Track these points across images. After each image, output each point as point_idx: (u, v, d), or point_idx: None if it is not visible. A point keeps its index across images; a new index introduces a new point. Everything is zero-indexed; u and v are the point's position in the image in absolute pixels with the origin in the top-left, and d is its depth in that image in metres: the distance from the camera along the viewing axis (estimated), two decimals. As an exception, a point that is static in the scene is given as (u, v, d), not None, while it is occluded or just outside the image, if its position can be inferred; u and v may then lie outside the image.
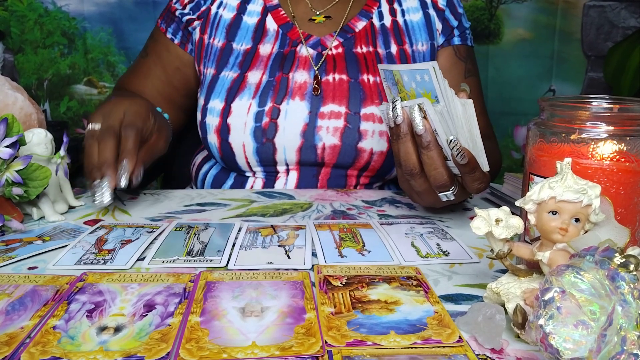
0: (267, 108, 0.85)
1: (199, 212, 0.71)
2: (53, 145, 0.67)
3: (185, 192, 0.81)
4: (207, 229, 0.63)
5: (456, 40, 0.95)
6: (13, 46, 1.75)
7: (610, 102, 0.49)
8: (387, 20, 0.93)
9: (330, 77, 0.87)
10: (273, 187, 0.88)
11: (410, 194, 0.67)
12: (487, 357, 0.38)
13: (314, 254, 0.56)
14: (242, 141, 0.85)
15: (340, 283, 0.48)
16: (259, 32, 0.90)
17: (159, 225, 0.64)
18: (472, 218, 0.44)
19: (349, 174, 0.88)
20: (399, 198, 0.80)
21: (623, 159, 0.45)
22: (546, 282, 0.34)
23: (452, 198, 0.62)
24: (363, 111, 0.85)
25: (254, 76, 0.87)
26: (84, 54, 1.77)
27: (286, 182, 0.87)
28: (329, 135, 0.85)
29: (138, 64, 0.98)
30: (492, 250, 0.44)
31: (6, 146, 0.59)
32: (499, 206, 0.44)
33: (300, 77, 0.87)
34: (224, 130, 0.85)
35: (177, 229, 0.62)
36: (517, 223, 0.43)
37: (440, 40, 0.95)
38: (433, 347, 0.39)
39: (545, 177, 0.43)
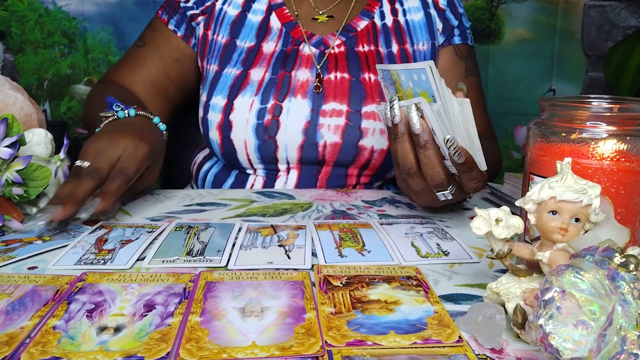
0: (269, 105, 0.85)
1: (199, 212, 0.71)
2: (53, 145, 0.67)
3: (185, 192, 0.81)
4: (207, 228, 0.63)
5: (456, 40, 0.96)
6: (13, 46, 1.75)
7: (610, 102, 0.49)
8: (389, 20, 0.93)
9: (332, 76, 0.87)
10: (273, 185, 0.88)
11: (408, 193, 0.67)
12: (487, 357, 0.38)
13: (314, 254, 0.56)
14: (244, 138, 0.85)
15: (340, 283, 0.48)
16: (263, 30, 0.91)
17: (159, 225, 0.64)
18: (472, 218, 0.44)
19: (350, 173, 0.88)
20: (399, 198, 0.80)
21: (623, 159, 0.45)
22: (546, 282, 0.34)
23: (450, 197, 0.62)
24: (364, 109, 0.85)
25: (257, 73, 0.87)
26: (84, 54, 1.77)
27: (286, 180, 0.88)
28: (330, 133, 0.85)
29: (132, 53, 0.96)
30: (492, 250, 0.44)
31: (6, 146, 0.59)
32: (499, 206, 0.44)
33: (303, 75, 0.87)
34: (225, 126, 0.85)
35: (177, 229, 0.62)
36: (517, 223, 0.43)
37: (440, 39, 0.95)
38: (433, 347, 0.39)
39: (545, 177, 0.43)
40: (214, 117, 0.87)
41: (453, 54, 0.95)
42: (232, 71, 0.88)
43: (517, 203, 0.43)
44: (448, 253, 0.57)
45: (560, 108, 0.49)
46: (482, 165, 0.62)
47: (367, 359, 0.37)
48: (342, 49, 0.90)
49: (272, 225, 0.64)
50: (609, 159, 0.45)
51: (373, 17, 0.93)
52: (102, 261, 0.53)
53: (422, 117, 0.57)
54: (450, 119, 0.58)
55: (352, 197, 0.80)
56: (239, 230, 0.62)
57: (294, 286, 0.48)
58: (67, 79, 1.78)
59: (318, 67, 0.88)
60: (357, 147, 0.85)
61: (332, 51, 0.90)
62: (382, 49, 0.91)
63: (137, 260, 0.54)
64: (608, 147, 0.46)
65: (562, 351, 0.32)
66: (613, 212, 0.42)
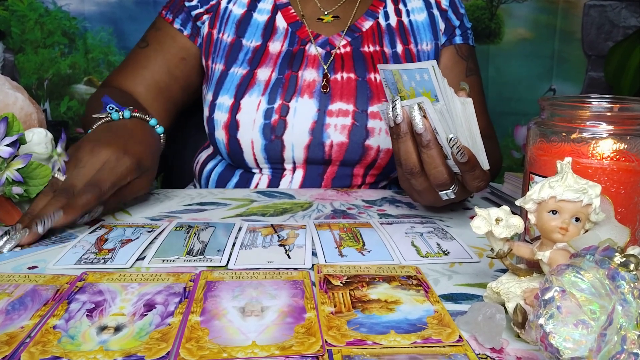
0: (276, 105, 0.85)
1: (199, 211, 0.71)
2: (53, 145, 0.67)
3: (186, 192, 0.81)
4: (207, 228, 0.63)
5: (458, 40, 0.96)
6: (13, 46, 1.75)
7: (610, 102, 0.49)
8: (393, 20, 0.93)
9: (338, 76, 0.88)
10: (278, 185, 0.88)
11: (411, 193, 0.67)
12: (487, 356, 0.38)
13: (314, 254, 0.56)
14: (251, 138, 0.85)
15: (341, 282, 0.48)
16: (269, 29, 0.91)
17: (159, 225, 0.64)
18: (472, 217, 0.44)
19: (355, 173, 0.88)
20: (399, 197, 0.80)
21: (623, 159, 0.45)
22: (546, 281, 0.34)
23: (453, 197, 0.62)
24: (370, 109, 0.86)
25: (264, 73, 0.87)
26: (84, 53, 1.77)
27: (292, 179, 0.88)
28: (336, 133, 0.85)
29: (135, 55, 0.95)
30: (492, 249, 0.44)
31: (6, 145, 0.59)
32: (499, 205, 0.44)
33: (309, 75, 0.87)
34: (232, 126, 0.85)
35: (177, 229, 0.62)
36: (517, 222, 0.43)
37: (442, 39, 0.95)
38: (433, 346, 0.39)
39: (545, 177, 0.43)
40: (221, 117, 0.86)
41: (454, 54, 0.96)
42: (238, 70, 0.88)
43: (518, 202, 0.43)
44: (448, 252, 0.57)
45: (560, 108, 0.49)
46: (485, 164, 0.62)
47: (367, 359, 0.37)
48: (348, 49, 0.90)
49: (272, 225, 0.64)
50: (609, 158, 0.45)
51: (377, 18, 0.93)
52: (102, 260, 0.53)
53: (424, 116, 0.57)
54: (452, 119, 0.58)
55: (352, 197, 0.80)
56: (239, 229, 0.62)
57: (294, 286, 0.48)
58: (67, 79, 1.78)
59: (325, 67, 0.88)
60: (363, 146, 0.85)
61: (338, 51, 0.90)
62: (387, 49, 0.91)
63: (138, 259, 0.54)
64: (608, 147, 0.46)
65: (562, 351, 0.32)
66: (613, 212, 0.42)
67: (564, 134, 0.47)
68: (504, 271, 0.48)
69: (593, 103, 0.50)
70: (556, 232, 0.40)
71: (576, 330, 0.32)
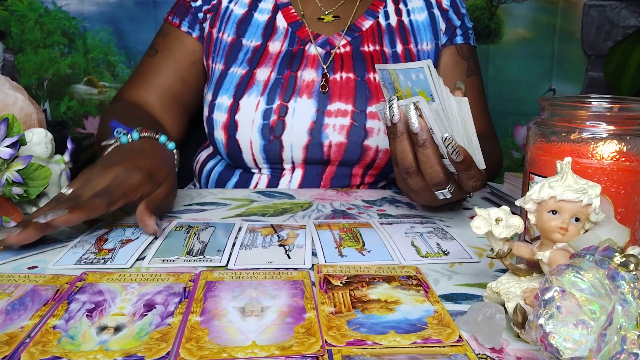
0: (275, 106, 0.85)
1: (199, 211, 0.71)
2: (53, 145, 0.67)
3: (186, 192, 0.81)
4: (207, 228, 0.63)
5: (459, 40, 0.96)
6: (13, 46, 1.75)
7: (610, 102, 0.49)
8: (393, 20, 0.93)
9: (337, 76, 0.88)
10: (277, 184, 0.88)
11: (408, 192, 0.67)
12: (487, 356, 0.38)
13: (314, 254, 0.56)
14: (250, 138, 0.85)
15: (340, 282, 0.48)
16: (269, 29, 0.90)
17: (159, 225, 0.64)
18: (472, 217, 0.44)
19: (354, 173, 0.88)
20: (399, 198, 0.80)
21: (623, 159, 0.45)
22: (546, 281, 0.34)
23: (449, 196, 0.62)
24: (369, 109, 0.86)
25: (263, 73, 0.87)
26: (84, 53, 1.77)
27: (291, 179, 0.88)
28: (335, 133, 0.85)
29: (144, 64, 0.94)
30: (492, 249, 0.44)
31: (6, 146, 0.59)
32: (499, 205, 0.44)
33: (308, 75, 0.87)
34: (231, 126, 0.85)
35: (177, 229, 0.62)
36: (517, 222, 0.43)
37: (443, 39, 0.95)
38: (433, 346, 0.39)
39: (545, 177, 0.43)
40: (220, 117, 0.86)
41: (455, 54, 0.96)
42: (237, 70, 0.88)
43: (517, 203, 0.43)
44: (448, 253, 0.57)
45: (560, 108, 0.49)
46: (481, 164, 0.62)
47: (367, 359, 0.37)
48: (348, 48, 0.90)
49: (272, 225, 0.64)
50: (609, 158, 0.45)
51: (377, 17, 0.93)
52: (102, 260, 0.53)
53: (420, 116, 0.57)
54: (448, 118, 0.58)
55: (352, 197, 0.80)
56: (239, 229, 0.63)
57: (294, 286, 0.48)
58: (67, 79, 1.78)
59: (325, 67, 0.88)
60: (362, 147, 0.85)
61: (337, 51, 0.90)
62: (387, 49, 0.91)
63: (137, 260, 0.54)
64: (608, 147, 0.46)
65: (562, 351, 0.32)
66: (613, 212, 0.42)
67: (563, 134, 0.47)
68: (503, 271, 0.48)
69: (593, 103, 0.50)
70: (556, 232, 0.40)
71: (576, 330, 0.32)
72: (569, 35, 1.82)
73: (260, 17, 0.91)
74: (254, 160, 0.87)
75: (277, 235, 0.61)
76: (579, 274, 0.33)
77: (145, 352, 0.37)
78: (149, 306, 0.44)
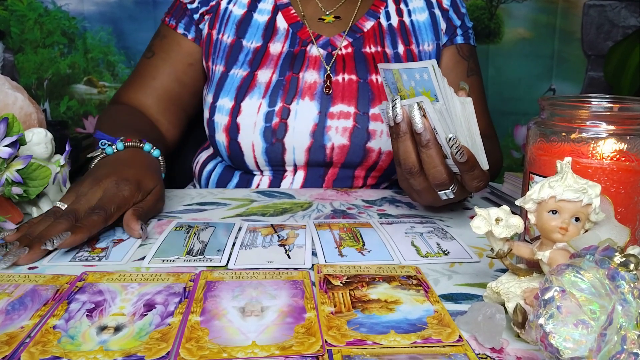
0: (277, 108, 0.84)
1: (199, 211, 0.71)
2: (53, 145, 0.67)
3: (185, 192, 0.81)
4: (207, 228, 0.63)
5: (459, 40, 0.96)
6: (13, 46, 1.75)
7: (610, 102, 0.49)
8: (394, 21, 0.93)
9: (339, 78, 0.87)
10: (279, 186, 0.88)
11: (410, 192, 0.67)
12: (487, 356, 0.38)
13: (314, 254, 0.56)
14: (252, 141, 0.85)
15: (340, 282, 0.48)
16: (269, 30, 0.90)
17: (148, 223, 0.64)
18: (472, 217, 0.44)
19: (356, 174, 0.88)
20: (399, 197, 0.80)
21: (623, 158, 0.45)
22: (546, 281, 0.34)
23: (452, 197, 0.62)
24: (372, 111, 0.85)
25: (264, 75, 0.86)
26: (83, 53, 1.77)
27: (292, 181, 0.87)
28: (338, 135, 0.85)
29: (142, 67, 0.95)
30: (492, 249, 0.44)
31: (6, 145, 0.59)
32: (499, 205, 0.44)
33: (310, 77, 0.87)
34: (233, 129, 0.85)
35: (177, 229, 0.62)
36: (517, 222, 0.43)
37: (444, 39, 0.95)
38: (433, 346, 0.39)
39: (545, 177, 0.43)
40: (221, 120, 0.86)
41: (455, 54, 0.96)
42: (238, 72, 0.88)
43: (517, 202, 0.43)
44: (448, 252, 0.57)
45: (560, 107, 0.49)
46: (484, 164, 0.62)
47: (367, 359, 0.37)
48: (349, 50, 0.90)
49: (272, 225, 0.64)
50: (609, 158, 0.45)
51: (379, 18, 0.93)
52: (98, 258, 0.54)
53: (424, 116, 0.57)
54: (452, 118, 0.58)
55: (352, 197, 0.80)
56: (239, 229, 0.63)
57: (294, 285, 0.48)
58: (66, 79, 1.78)
59: (328, 69, 0.87)
60: (364, 149, 0.85)
61: (339, 52, 0.89)
62: (389, 50, 0.91)
63: (135, 260, 0.54)
64: (608, 147, 0.46)
65: (562, 350, 0.32)
66: (613, 212, 0.42)
67: (563, 133, 0.47)
68: (503, 271, 0.48)
69: (593, 103, 0.50)
70: (556, 232, 0.40)
71: (576, 330, 0.32)
72: (569, 35, 1.82)
73: (260, 17, 0.91)
74: (256, 162, 0.87)
75: (277, 235, 0.61)
76: (579, 273, 0.33)
77: (145, 352, 0.37)
78: (149, 306, 0.44)
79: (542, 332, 0.33)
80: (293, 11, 0.92)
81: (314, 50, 0.89)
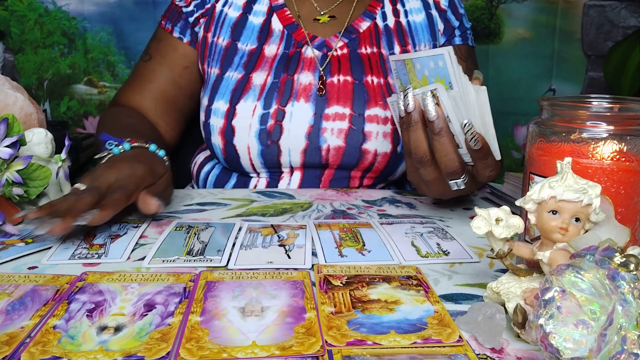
0: (272, 110, 0.84)
1: (199, 211, 0.71)
2: (53, 145, 0.67)
3: (185, 192, 0.81)
4: (207, 228, 0.63)
5: (457, 40, 0.96)
6: (13, 46, 1.75)
7: (610, 102, 0.49)
8: (391, 21, 0.93)
9: (334, 79, 0.87)
10: (276, 187, 0.88)
11: (419, 184, 0.66)
12: (487, 356, 0.38)
13: (314, 254, 0.56)
14: (247, 143, 0.85)
15: (341, 282, 0.48)
16: (264, 32, 0.90)
17: (143, 221, 0.65)
18: (472, 217, 0.44)
19: (353, 175, 0.88)
20: (399, 198, 0.80)
21: (623, 159, 0.45)
22: (546, 281, 0.34)
23: (462, 187, 0.61)
24: (367, 113, 0.85)
25: (259, 77, 0.86)
26: (84, 53, 1.77)
27: (289, 182, 0.87)
28: (333, 137, 0.85)
29: (139, 69, 0.96)
30: (492, 249, 0.44)
31: (6, 146, 0.59)
32: (499, 206, 0.44)
33: (305, 78, 0.87)
34: (228, 132, 0.85)
35: (177, 229, 0.62)
36: (517, 222, 0.43)
37: (442, 40, 0.95)
38: (433, 346, 0.39)
39: (545, 177, 0.43)
40: (217, 123, 0.86)
41: None
42: (233, 75, 0.87)
43: (517, 203, 0.43)
44: (448, 253, 0.57)
45: (560, 108, 0.49)
46: (497, 154, 0.62)
47: (367, 359, 0.37)
48: (345, 51, 0.90)
49: (272, 225, 0.64)
50: (609, 158, 0.45)
51: (375, 18, 0.92)
52: (97, 255, 0.54)
53: (437, 104, 0.57)
54: (466, 106, 0.58)
55: (352, 197, 0.80)
56: (239, 230, 0.63)
57: (294, 286, 0.48)
58: (67, 79, 1.78)
59: (321, 70, 0.87)
60: (360, 150, 0.85)
61: (334, 53, 0.89)
62: (385, 51, 0.91)
63: (136, 260, 0.54)
64: (608, 147, 0.46)
65: (563, 351, 0.32)
66: (613, 212, 0.42)
67: (563, 134, 0.47)
68: (504, 271, 0.48)
69: (593, 103, 0.50)
70: (556, 232, 0.40)
71: (576, 330, 0.32)
72: (568, 35, 1.82)
73: (255, 19, 0.91)
74: (252, 165, 0.86)
75: (277, 235, 0.61)
76: (579, 274, 0.33)
77: (145, 352, 0.37)
78: (149, 306, 0.44)
79: (542, 333, 0.33)
80: (288, 12, 0.91)
81: (309, 52, 0.88)
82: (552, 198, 0.40)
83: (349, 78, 0.87)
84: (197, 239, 0.59)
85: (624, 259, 0.32)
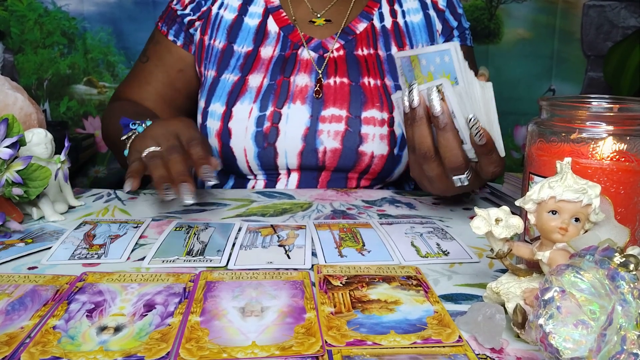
0: (268, 112, 0.84)
1: (199, 212, 0.71)
2: (53, 145, 0.67)
3: (185, 192, 0.81)
4: (207, 228, 0.63)
5: (455, 41, 0.96)
6: (13, 46, 1.75)
7: (610, 102, 0.49)
8: (388, 22, 0.93)
9: (331, 81, 0.87)
10: (274, 188, 0.88)
11: (421, 180, 0.66)
12: (487, 356, 0.38)
13: (313, 254, 0.56)
14: (244, 146, 0.85)
15: (340, 283, 0.49)
16: (260, 34, 0.90)
17: (143, 221, 0.65)
18: (472, 218, 0.44)
19: (350, 177, 0.88)
20: (399, 198, 0.80)
21: (623, 159, 0.45)
22: (546, 281, 0.34)
23: (466, 183, 0.61)
24: (364, 115, 0.85)
25: (255, 80, 0.86)
26: (83, 54, 1.77)
27: (286, 184, 0.87)
28: (330, 139, 0.85)
29: (138, 70, 0.96)
30: (492, 249, 0.44)
31: (6, 146, 0.59)
32: (498, 206, 0.44)
33: (302, 80, 0.86)
34: (225, 134, 0.85)
35: (177, 229, 0.62)
36: (517, 223, 0.43)
37: (440, 40, 0.95)
38: (433, 346, 0.39)
39: (545, 177, 0.43)
40: (213, 125, 0.86)
41: None
42: (230, 77, 0.88)
43: (517, 203, 0.43)
44: (448, 253, 0.57)
45: (559, 108, 0.49)
46: (502, 150, 0.62)
47: (367, 359, 0.37)
48: (341, 52, 0.89)
49: (272, 225, 0.64)
50: (608, 158, 0.46)
51: (372, 19, 0.92)
52: (96, 255, 0.54)
53: (442, 99, 0.57)
54: (471, 101, 0.58)
55: (352, 197, 0.80)
56: (239, 230, 0.63)
57: (294, 286, 0.48)
58: (66, 79, 1.78)
59: (319, 72, 0.87)
60: (357, 152, 0.85)
61: (331, 55, 0.89)
62: (382, 52, 0.90)
63: (136, 260, 0.54)
64: (608, 147, 0.46)
65: (562, 351, 0.32)
66: (613, 212, 0.42)
67: (563, 134, 0.47)
68: (503, 271, 0.48)
69: (592, 103, 0.50)
70: (556, 232, 0.40)
71: (576, 330, 0.32)
72: (568, 35, 1.82)
73: (251, 21, 0.91)
74: (249, 167, 0.86)
75: (277, 236, 0.61)
76: (579, 274, 0.33)
77: (145, 352, 0.37)
78: (149, 306, 0.44)
79: (542, 333, 0.33)
80: (284, 14, 0.91)
81: (305, 54, 0.88)
82: (551, 198, 0.40)
83: (345, 80, 0.87)
84: (197, 239, 0.59)
85: (624, 259, 0.32)
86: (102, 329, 0.40)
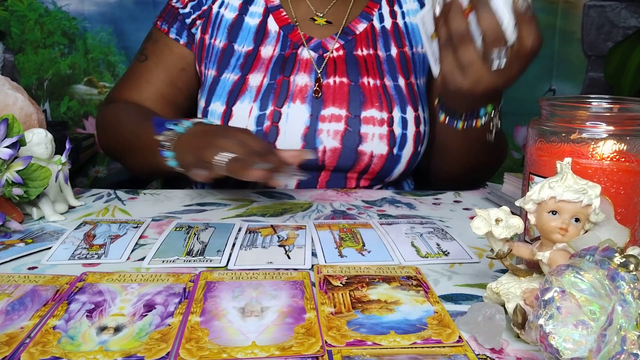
0: (268, 112, 0.84)
1: (199, 212, 0.71)
2: (53, 146, 0.67)
3: (185, 192, 0.81)
4: (207, 228, 0.63)
5: None
6: (13, 46, 1.75)
7: (610, 102, 0.49)
8: (388, 23, 0.93)
9: (330, 80, 0.87)
10: (274, 188, 0.88)
11: (454, 74, 0.65)
12: (487, 357, 0.38)
13: (314, 254, 0.56)
14: None
15: (340, 283, 0.48)
16: (261, 33, 0.90)
17: (143, 221, 0.65)
18: (472, 218, 0.44)
19: (349, 177, 0.88)
20: (399, 198, 0.80)
21: (623, 159, 0.45)
22: (546, 282, 0.34)
23: (503, 65, 0.62)
24: (363, 114, 0.85)
25: (255, 79, 0.86)
26: (84, 53, 1.77)
27: (286, 185, 0.87)
28: (329, 139, 0.85)
29: (136, 69, 0.95)
30: (492, 250, 0.44)
31: (6, 146, 0.59)
32: (499, 206, 0.44)
33: (301, 80, 0.87)
34: None
35: (177, 229, 0.62)
36: (517, 223, 0.43)
37: None
38: (433, 347, 0.39)
39: (545, 177, 0.43)
40: None
41: None
42: (230, 76, 0.88)
43: (517, 203, 0.43)
44: (448, 253, 0.57)
45: (560, 108, 0.49)
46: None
47: (367, 359, 0.37)
48: (341, 52, 0.89)
49: (272, 225, 0.64)
50: (608, 159, 0.45)
51: (372, 20, 0.92)
52: (96, 256, 0.54)
53: None
54: None
55: (352, 197, 0.80)
56: (239, 230, 0.63)
57: (294, 286, 0.48)
58: (67, 79, 1.78)
59: (319, 72, 0.87)
60: (356, 152, 0.85)
61: (331, 55, 0.89)
62: (381, 53, 0.90)
63: (136, 260, 0.54)
64: (608, 147, 0.46)
65: (562, 351, 0.32)
66: (613, 212, 0.42)
67: (563, 134, 0.47)
68: (503, 272, 0.48)
69: (593, 103, 0.50)
70: (556, 232, 0.40)
71: (576, 330, 0.32)
72: (569, 35, 1.82)
73: (251, 21, 0.91)
74: None
75: (277, 236, 0.61)
76: (579, 274, 0.33)
77: (145, 352, 0.37)
78: (149, 306, 0.44)
79: (542, 333, 0.33)
80: (284, 13, 0.91)
81: (305, 53, 0.88)
82: (551, 198, 0.40)
83: (344, 80, 0.87)
84: (197, 239, 0.59)
85: (624, 259, 0.32)
86: (102, 329, 0.40)
